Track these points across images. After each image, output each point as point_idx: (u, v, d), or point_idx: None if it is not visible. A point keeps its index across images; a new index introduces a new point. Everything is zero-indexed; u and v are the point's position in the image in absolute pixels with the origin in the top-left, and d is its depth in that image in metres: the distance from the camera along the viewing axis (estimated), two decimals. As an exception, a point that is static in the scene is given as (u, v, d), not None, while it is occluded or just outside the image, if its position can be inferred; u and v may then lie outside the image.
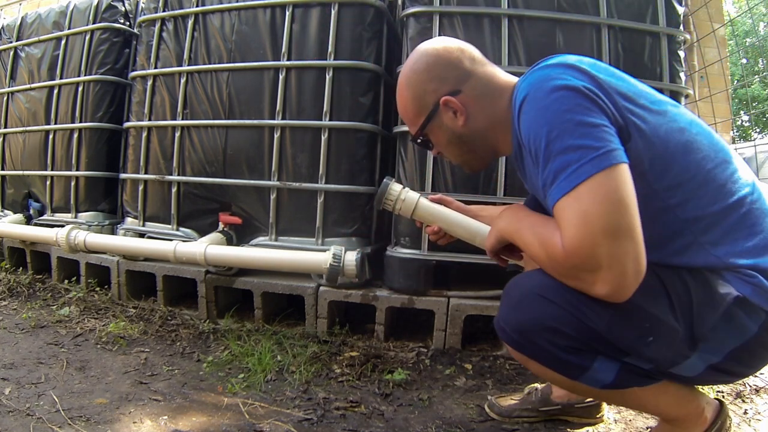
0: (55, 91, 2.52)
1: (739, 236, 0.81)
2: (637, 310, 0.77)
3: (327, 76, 1.87)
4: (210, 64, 2.01)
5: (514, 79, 0.94)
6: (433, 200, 1.21)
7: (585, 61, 0.82)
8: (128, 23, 2.54)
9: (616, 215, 0.69)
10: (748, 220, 0.82)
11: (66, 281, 2.35)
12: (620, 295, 0.72)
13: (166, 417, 1.21)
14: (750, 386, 1.45)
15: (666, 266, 0.81)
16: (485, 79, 0.94)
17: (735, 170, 0.84)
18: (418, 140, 1.02)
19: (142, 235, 2.12)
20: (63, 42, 2.52)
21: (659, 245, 0.79)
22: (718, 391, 1.42)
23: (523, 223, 0.87)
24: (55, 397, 1.27)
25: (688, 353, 0.81)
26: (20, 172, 2.67)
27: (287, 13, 1.91)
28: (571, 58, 0.82)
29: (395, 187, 1.24)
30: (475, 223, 1.23)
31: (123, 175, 2.22)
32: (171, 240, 1.91)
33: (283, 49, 1.90)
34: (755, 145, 3.90)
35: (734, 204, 0.82)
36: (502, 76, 0.96)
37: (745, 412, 1.33)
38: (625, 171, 0.72)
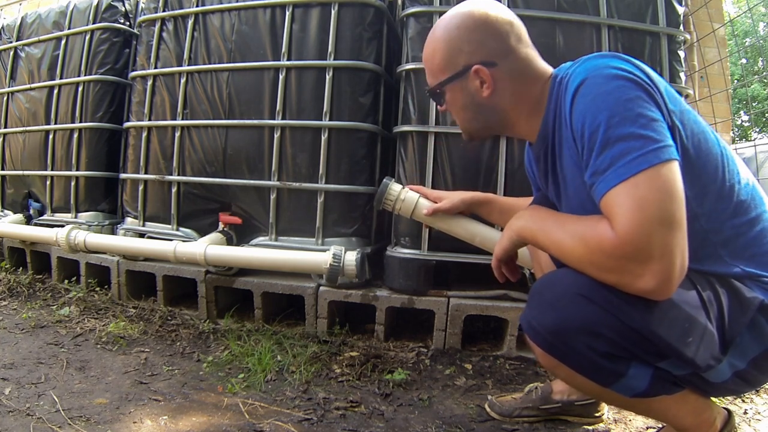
0: (55, 91, 2.52)
1: (756, 251, 0.83)
2: (677, 309, 0.76)
3: (327, 76, 1.87)
4: (210, 64, 2.01)
5: (549, 68, 0.94)
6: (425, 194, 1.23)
7: (635, 60, 0.81)
8: (128, 23, 2.54)
9: (672, 206, 0.69)
10: (765, 236, 0.83)
11: (66, 281, 2.35)
12: (665, 290, 0.71)
13: (166, 417, 1.21)
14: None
15: (695, 270, 0.80)
16: (525, 60, 0.92)
17: (754, 187, 0.86)
18: (433, 93, 0.99)
19: (142, 235, 2.12)
20: (63, 42, 2.52)
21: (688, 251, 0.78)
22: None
23: (548, 221, 0.84)
24: (55, 397, 1.27)
25: (721, 357, 0.80)
26: (20, 172, 2.67)
27: (287, 13, 1.91)
28: (623, 55, 0.82)
29: (395, 187, 1.24)
30: (475, 223, 1.24)
31: (123, 175, 2.22)
32: (171, 240, 1.92)
33: (283, 49, 1.90)
34: (755, 145, 3.89)
35: (753, 219, 0.83)
36: (540, 62, 0.94)
37: (745, 412, 1.33)
38: (678, 167, 0.72)
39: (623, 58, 0.80)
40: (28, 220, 2.60)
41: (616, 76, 0.76)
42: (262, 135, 1.93)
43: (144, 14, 2.19)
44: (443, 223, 1.23)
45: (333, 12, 1.87)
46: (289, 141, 1.90)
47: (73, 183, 2.43)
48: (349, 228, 1.89)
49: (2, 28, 2.84)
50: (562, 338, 0.80)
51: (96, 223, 2.38)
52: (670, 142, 0.73)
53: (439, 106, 1.02)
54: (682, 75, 1.78)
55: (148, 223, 2.13)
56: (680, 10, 1.78)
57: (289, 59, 1.90)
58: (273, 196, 1.91)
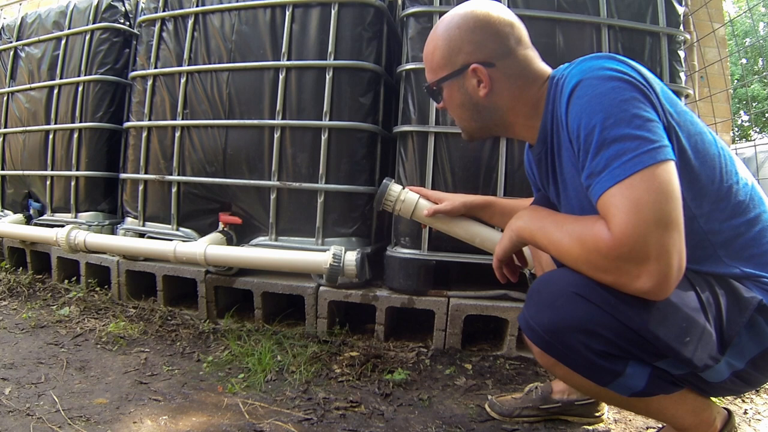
0: (55, 91, 2.52)
1: (755, 252, 0.83)
2: (674, 308, 0.76)
3: (327, 76, 1.87)
4: (210, 64, 2.01)
5: (549, 69, 0.94)
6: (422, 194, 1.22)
7: (630, 61, 0.82)
8: (128, 23, 2.54)
9: (668, 206, 0.69)
10: (764, 237, 0.83)
11: (66, 281, 2.35)
12: (662, 291, 0.70)
13: (166, 417, 1.22)
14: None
15: (693, 271, 0.81)
16: (524, 62, 0.92)
17: (753, 187, 0.86)
18: (431, 89, 1.00)
19: (142, 235, 2.12)
20: (63, 42, 2.52)
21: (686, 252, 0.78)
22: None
23: (547, 221, 0.84)
24: (55, 397, 1.27)
25: (719, 357, 0.80)
26: (20, 172, 2.67)
27: (287, 13, 1.91)
28: (618, 56, 0.82)
29: (395, 188, 1.24)
30: (475, 224, 1.24)
31: (123, 175, 2.22)
32: (171, 240, 1.92)
33: (283, 49, 1.90)
34: (755, 145, 3.89)
35: (752, 220, 0.83)
36: (539, 63, 0.95)
37: (745, 412, 1.33)
38: (674, 168, 0.72)
39: (618, 59, 0.80)
40: (28, 220, 2.60)
41: (611, 77, 0.76)
42: (262, 135, 1.93)
43: (144, 14, 2.19)
44: (443, 224, 1.23)
45: (333, 12, 1.87)
46: (289, 141, 1.90)
47: (73, 183, 2.43)
48: (349, 228, 1.89)
49: (2, 28, 2.84)
50: (558, 337, 0.80)
51: (96, 223, 2.38)
52: (666, 142, 0.73)
53: (437, 104, 1.03)
54: (682, 75, 1.78)
55: (148, 223, 2.13)
56: (680, 10, 1.78)
57: (289, 59, 1.90)
58: (273, 196, 1.91)
